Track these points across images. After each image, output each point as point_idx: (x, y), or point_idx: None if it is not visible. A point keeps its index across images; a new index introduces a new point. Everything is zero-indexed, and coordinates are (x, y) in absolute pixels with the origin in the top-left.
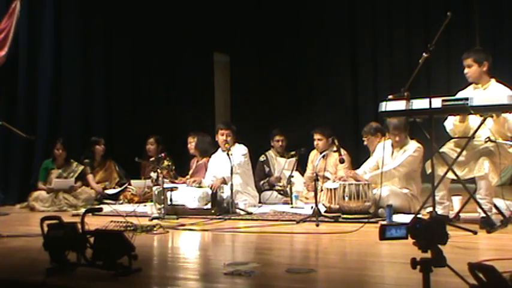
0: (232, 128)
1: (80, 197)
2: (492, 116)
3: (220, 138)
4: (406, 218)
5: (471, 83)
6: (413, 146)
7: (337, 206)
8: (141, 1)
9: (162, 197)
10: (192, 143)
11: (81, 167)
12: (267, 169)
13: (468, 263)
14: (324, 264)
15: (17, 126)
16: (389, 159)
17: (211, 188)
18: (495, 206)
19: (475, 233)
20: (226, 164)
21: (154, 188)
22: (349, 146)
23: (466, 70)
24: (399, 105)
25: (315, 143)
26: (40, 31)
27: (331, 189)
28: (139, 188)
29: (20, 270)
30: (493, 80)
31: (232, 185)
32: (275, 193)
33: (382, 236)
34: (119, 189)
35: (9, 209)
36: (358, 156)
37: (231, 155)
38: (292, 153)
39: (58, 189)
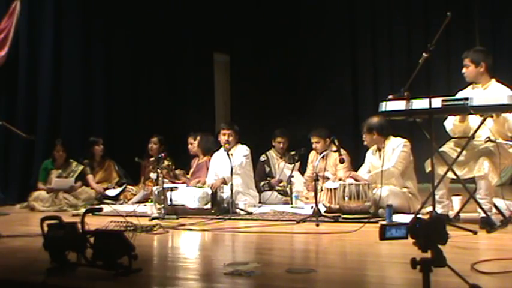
0: (235, 128)
1: (80, 197)
2: (492, 116)
3: (222, 138)
4: (406, 218)
5: (471, 83)
6: (399, 142)
7: (337, 206)
8: (141, 1)
9: (162, 197)
10: (192, 143)
11: (80, 167)
12: (267, 169)
13: None
14: (324, 264)
15: (17, 126)
16: (379, 162)
17: (211, 188)
18: (495, 206)
19: (475, 233)
20: (228, 163)
21: (154, 188)
22: (349, 146)
23: (463, 70)
24: (399, 105)
25: (313, 145)
26: (40, 31)
27: (331, 189)
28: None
29: (20, 270)
30: (493, 80)
31: (232, 185)
32: (275, 193)
33: (382, 236)
34: (119, 189)
35: (9, 209)
36: (358, 156)
37: (232, 155)
38: (292, 153)
39: (58, 189)
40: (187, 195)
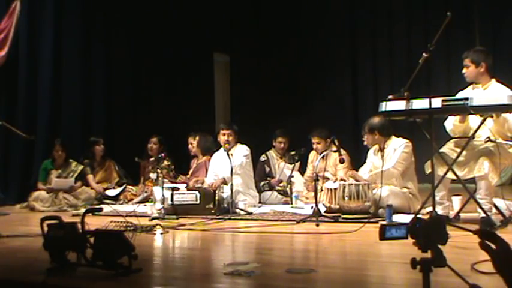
0: (234, 128)
1: (80, 197)
2: (492, 116)
3: (222, 138)
4: (406, 218)
5: (471, 83)
6: (401, 142)
7: (337, 206)
8: (141, 1)
9: (162, 197)
10: (192, 143)
11: (80, 167)
12: (267, 169)
13: (479, 231)
14: (324, 264)
15: (17, 126)
16: (380, 162)
17: (211, 188)
18: (495, 206)
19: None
20: (228, 163)
21: (154, 188)
22: (349, 146)
23: (464, 70)
24: (399, 105)
25: (314, 146)
26: (40, 31)
27: (331, 189)
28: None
29: (20, 270)
30: (493, 80)
31: (232, 185)
32: (275, 193)
33: (382, 236)
34: (119, 189)
35: (9, 209)
36: (358, 156)
37: (232, 155)
38: (292, 153)
39: (58, 189)
40: (187, 195)
